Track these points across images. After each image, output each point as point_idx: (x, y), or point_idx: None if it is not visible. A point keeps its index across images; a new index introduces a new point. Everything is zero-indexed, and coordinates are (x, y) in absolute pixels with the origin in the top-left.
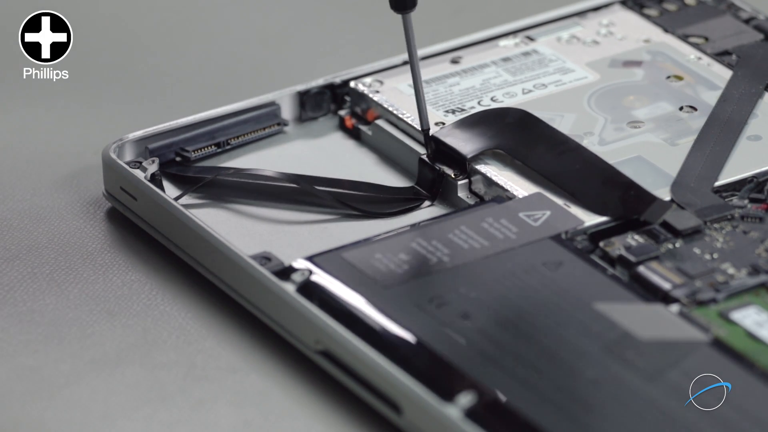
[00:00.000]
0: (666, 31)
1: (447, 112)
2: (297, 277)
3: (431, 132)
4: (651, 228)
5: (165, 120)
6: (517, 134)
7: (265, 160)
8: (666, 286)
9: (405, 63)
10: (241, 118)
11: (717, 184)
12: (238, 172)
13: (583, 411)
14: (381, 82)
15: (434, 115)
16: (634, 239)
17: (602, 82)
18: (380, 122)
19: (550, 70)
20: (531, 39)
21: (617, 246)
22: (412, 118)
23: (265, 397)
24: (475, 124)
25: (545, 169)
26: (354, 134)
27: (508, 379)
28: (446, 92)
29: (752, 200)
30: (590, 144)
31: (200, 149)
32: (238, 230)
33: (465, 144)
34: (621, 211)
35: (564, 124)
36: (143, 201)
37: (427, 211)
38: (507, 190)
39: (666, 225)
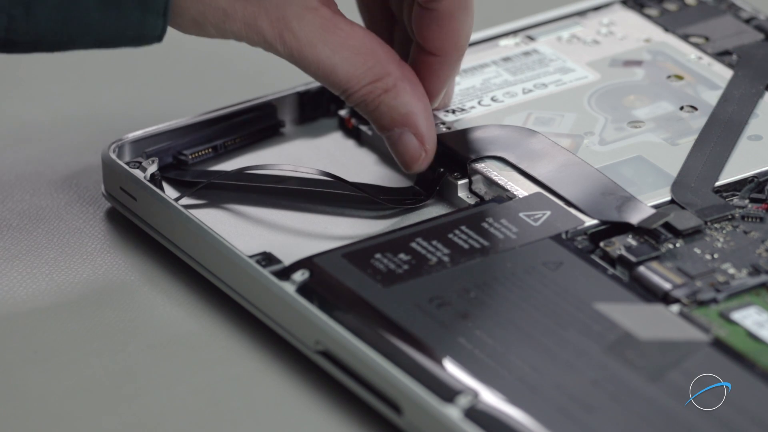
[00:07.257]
0: (666, 30)
1: (447, 111)
2: (297, 277)
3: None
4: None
5: (164, 121)
6: (519, 148)
7: (265, 161)
8: (666, 286)
9: None
10: (240, 119)
11: (717, 184)
12: (241, 172)
13: (583, 411)
14: None
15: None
16: (634, 239)
17: (602, 82)
18: None
19: (551, 70)
20: (531, 38)
21: (617, 246)
22: None
23: (266, 397)
24: (477, 134)
25: (544, 179)
26: (354, 134)
27: (508, 379)
28: None
29: (753, 200)
30: (591, 144)
31: (199, 152)
32: (238, 230)
33: (466, 149)
34: (616, 217)
35: (564, 123)
36: (143, 201)
37: (427, 211)
38: (507, 190)
39: (666, 225)
